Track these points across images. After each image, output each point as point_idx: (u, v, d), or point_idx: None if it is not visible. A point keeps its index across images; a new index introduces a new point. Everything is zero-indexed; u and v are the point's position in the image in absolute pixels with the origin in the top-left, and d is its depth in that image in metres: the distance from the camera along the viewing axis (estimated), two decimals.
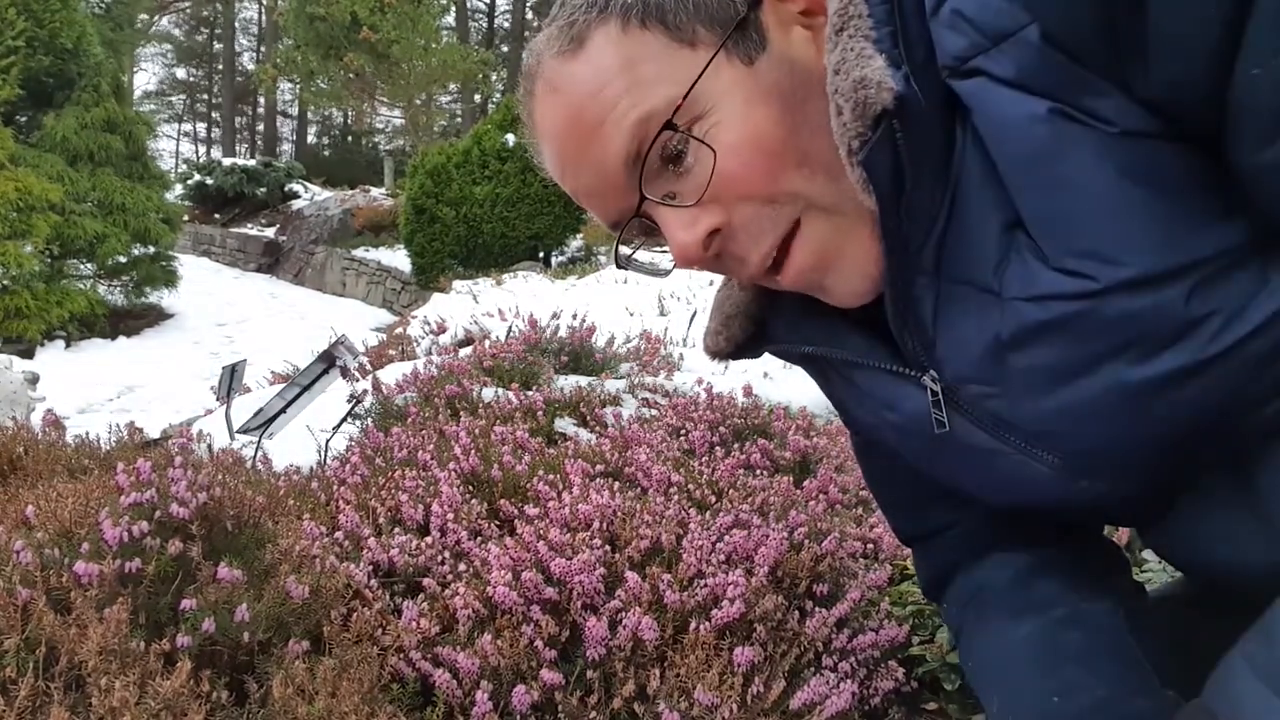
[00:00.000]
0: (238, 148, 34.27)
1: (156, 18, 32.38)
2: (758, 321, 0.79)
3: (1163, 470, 0.65)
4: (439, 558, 1.53)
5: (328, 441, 2.50)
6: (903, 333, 0.67)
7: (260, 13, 34.20)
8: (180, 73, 36.65)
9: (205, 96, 37.31)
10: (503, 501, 1.75)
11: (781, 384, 3.24)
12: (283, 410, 2.66)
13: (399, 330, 6.69)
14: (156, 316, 13.65)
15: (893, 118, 0.56)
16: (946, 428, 0.68)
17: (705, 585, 1.35)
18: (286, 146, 34.72)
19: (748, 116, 0.60)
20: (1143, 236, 0.53)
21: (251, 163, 20.42)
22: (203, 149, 37.15)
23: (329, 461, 2.31)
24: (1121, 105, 0.52)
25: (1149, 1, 0.49)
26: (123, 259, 13.21)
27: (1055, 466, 0.66)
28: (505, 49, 29.59)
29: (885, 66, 0.56)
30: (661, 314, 6.19)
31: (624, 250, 0.72)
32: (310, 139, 34.98)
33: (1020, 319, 0.59)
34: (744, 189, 0.61)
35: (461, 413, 2.43)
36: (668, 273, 0.87)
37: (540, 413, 2.45)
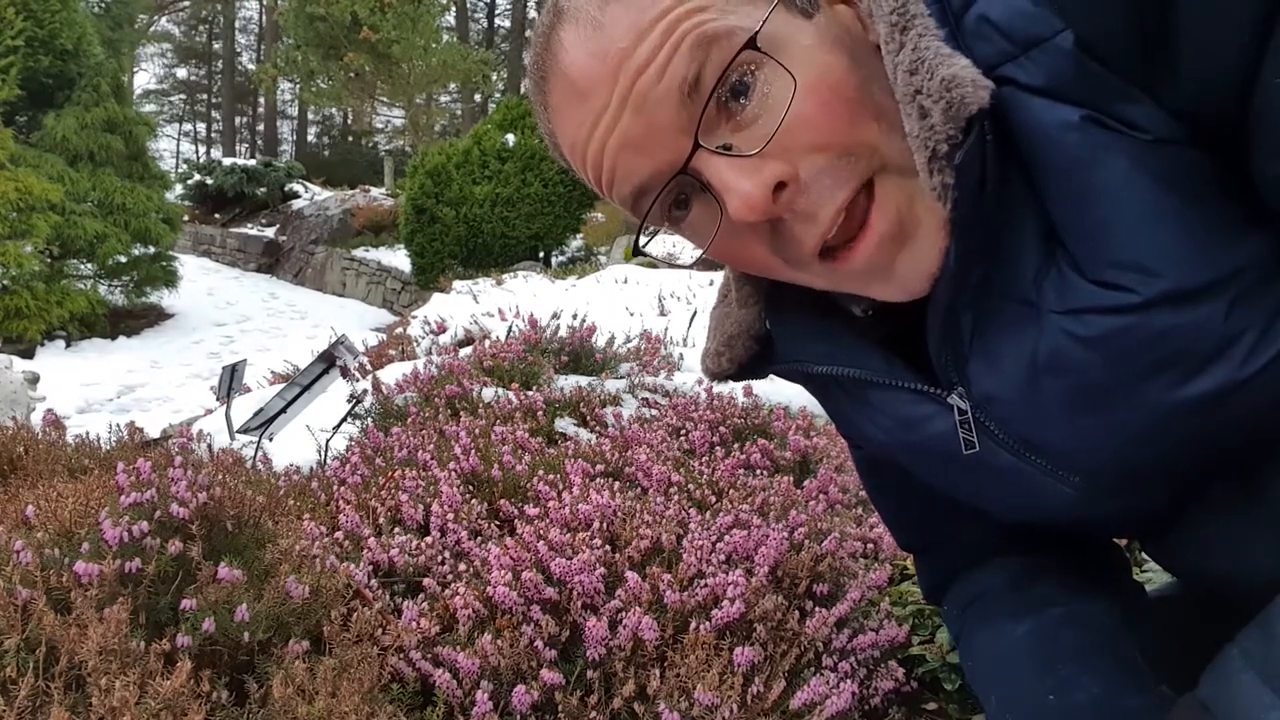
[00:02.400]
0: (238, 147, 34.30)
1: (156, 17, 32.39)
2: (761, 341, 0.76)
3: (1184, 484, 0.64)
4: (439, 558, 1.53)
5: (328, 441, 2.50)
6: (943, 349, 0.64)
7: (260, 12, 34.20)
8: (180, 72, 36.68)
9: (205, 96, 37.32)
10: (503, 501, 1.75)
11: (782, 384, 3.23)
12: (283, 410, 2.66)
13: (399, 330, 6.69)
14: (157, 316, 13.66)
15: (986, 118, 0.53)
16: (976, 448, 0.66)
17: (705, 585, 1.35)
18: (286, 146, 34.74)
19: (819, 61, 0.56)
20: (1179, 246, 0.52)
21: (251, 163, 20.40)
22: (203, 149, 37.18)
23: (329, 461, 2.31)
24: (1154, 112, 0.51)
25: (1178, 9, 0.48)
26: (123, 259, 13.21)
27: (1079, 487, 0.64)
28: (505, 48, 29.59)
29: (972, 65, 0.53)
30: (661, 314, 6.18)
31: (643, 238, 0.65)
32: (310, 139, 34.99)
33: (1057, 338, 0.57)
34: (819, 135, 0.55)
35: (461, 413, 2.43)
36: (689, 266, 0.82)
37: (540, 413, 2.45)
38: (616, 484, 1.78)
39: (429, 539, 1.58)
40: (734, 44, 0.54)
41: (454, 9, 26.19)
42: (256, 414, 2.68)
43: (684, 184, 0.59)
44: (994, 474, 0.67)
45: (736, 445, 2.23)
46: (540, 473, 1.86)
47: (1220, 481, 0.64)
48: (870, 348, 0.70)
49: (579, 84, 0.58)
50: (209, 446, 2.38)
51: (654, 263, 9.99)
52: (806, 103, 0.55)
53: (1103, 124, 0.52)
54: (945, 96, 0.53)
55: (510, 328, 4.48)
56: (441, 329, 5.40)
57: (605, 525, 1.56)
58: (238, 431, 2.80)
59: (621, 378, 3.20)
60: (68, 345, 11.75)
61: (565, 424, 2.48)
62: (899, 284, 0.60)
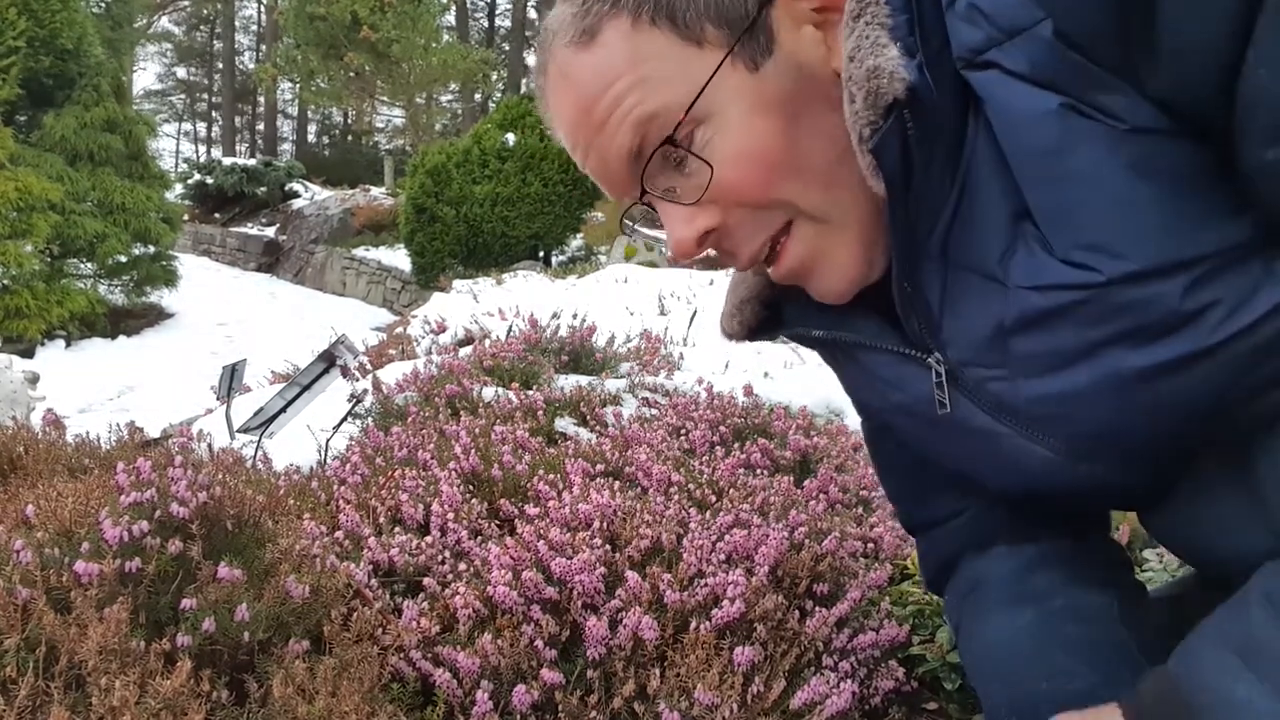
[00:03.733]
0: (238, 147, 34.27)
1: (156, 17, 32.38)
2: (769, 305, 0.81)
3: (1163, 456, 0.66)
4: (439, 557, 1.53)
5: (328, 441, 2.50)
6: (909, 316, 0.69)
7: (260, 12, 34.22)
8: (180, 72, 36.66)
9: (205, 96, 37.31)
10: (503, 501, 1.75)
11: (781, 384, 3.24)
12: (283, 410, 2.66)
13: (399, 330, 6.69)
14: (157, 316, 13.65)
15: (904, 107, 0.57)
16: (948, 409, 0.70)
17: (705, 585, 1.35)
18: (286, 146, 34.71)
19: (749, 127, 0.61)
20: (1147, 231, 0.54)
21: (252, 162, 20.41)
22: (203, 148, 37.17)
23: (329, 461, 2.31)
24: (1131, 102, 0.52)
25: (1157, 4, 0.49)
26: (123, 258, 13.21)
27: (1055, 450, 0.66)
28: (506, 48, 29.58)
29: (899, 56, 0.57)
30: (661, 314, 6.17)
31: (628, 223, 0.77)
32: (310, 138, 34.97)
33: (1023, 305, 0.60)
34: (740, 197, 0.64)
35: (462, 412, 2.43)
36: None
37: (540, 412, 2.45)
38: (616, 483, 1.78)
39: (429, 538, 1.58)
40: (667, 124, 0.62)
41: (454, 8, 26.19)
42: (256, 413, 2.67)
43: None
44: (974, 436, 0.70)
45: (736, 445, 2.23)
46: (540, 472, 1.86)
47: (1205, 457, 0.66)
48: (862, 313, 0.73)
49: (557, 118, 0.69)
50: (209, 446, 2.37)
51: (654, 262, 10.00)
52: (730, 172, 0.62)
53: (1080, 111, 0.54)
54: (866, 85, 0.57)
55: (510, 327, 4.48)
56: (441, 328, 5.39)
57: (605, 525, 1.56)
58: (238, 431, 2.80)
59: (621, 377, 3.20)
60: (68, 345, 11.75)
61: (565, 424, 2.48)
62: (817, 295, 0.70)
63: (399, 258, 14.30)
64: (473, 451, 1.96)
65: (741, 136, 0.61)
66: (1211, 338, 0.55)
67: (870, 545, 1.71)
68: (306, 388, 2.76)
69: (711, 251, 0.70)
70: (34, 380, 4.60)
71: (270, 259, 17.50)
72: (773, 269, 0.69)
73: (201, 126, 38.37)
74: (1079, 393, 0.61)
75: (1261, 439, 0.61)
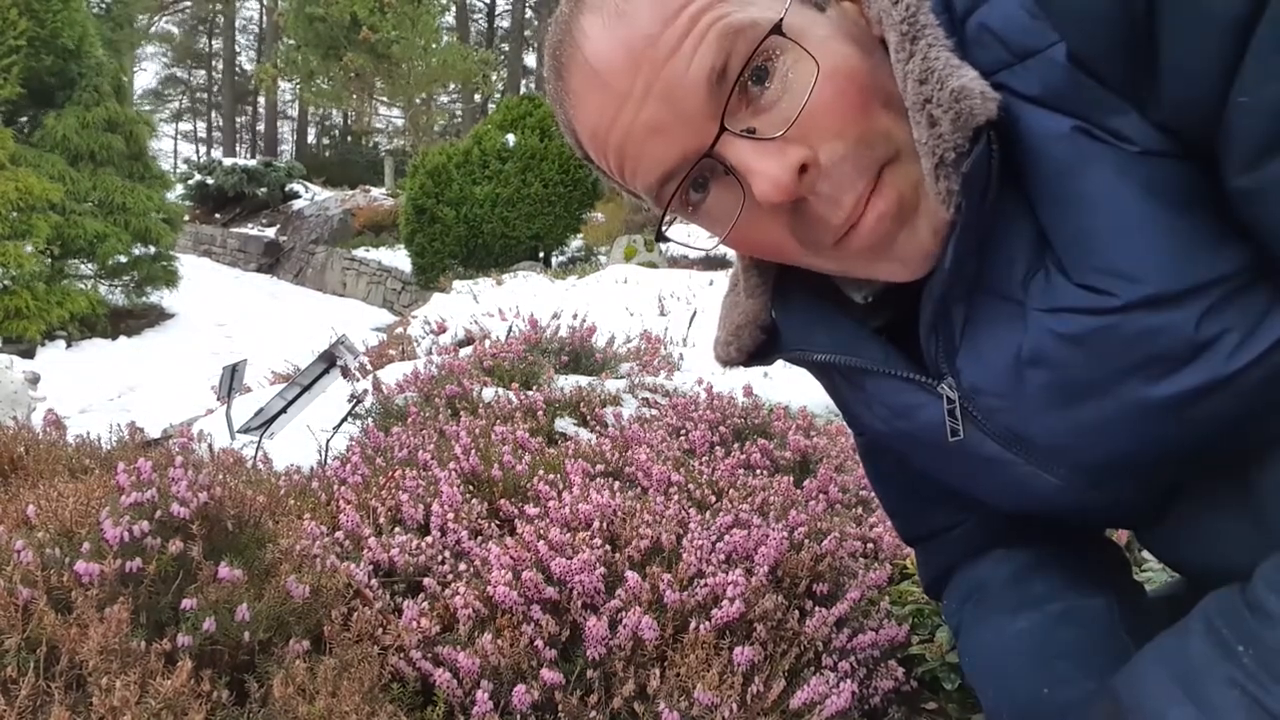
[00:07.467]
0: (238, 148, 34.32)
1: (156, 17, 32.40)
2: (766, 330, 0.79)
3: (1171, 481, 0.66)
4: (439, 557, 1.53)
5: (328, 441, 2.50)
6: (930, 338, 0.67)
7: (260, 13, 34.24)
8: (180, 73, 36.69)
9: (205, 96, 37.35)
10: (503, 501, 1.75)
11: (781, 384, 3.24)
12: (283, 410, 2.66)
13: (399, 330, 6.69)
14: (157, 316, 13.67)
15: (991, 129, 0.55)
16: (961, 436, 0.68)
17: (705, 585, 1.35)
18: (286, 146, 34.74)
19: (834, 49, 0.58)
20: (1161, 254, 0.53)
21: (252, 163, 20.46)
22: (203, 149, 37.20)
23: (329, 461, 2.32)
24: (1141, 125, 0.53)
25: (1159, 30, 0.50)
26: (123, 259, 13.22)
27: (1065, 478, 0.66)
28: (505, 49, 29.60)
29: (980, 76, 0.55)
30: (661, 314, 6.18)
31: (666, 219, 0.65)
32: (310, 139, 34.98)
33: (1040, 334, 0.59)
34: (837, 121, 0.57)
35: (462, 412, 2.43)
36: (710, 249, 0.83)
37: (540, 413, 2.45)
38: (616, 484, 1.78)
39: (429, 538, 1.58)
40: (758, 33, 0.56)
41: (454, 9, 26.20)
42: (257, 414, 2.68)
43: (705, 168, 0.61)
44: (982, 463, 0.69)
45: (736, 445, 2.24)
46: (540, 472, 1.86)
47: (1210, 476, 0.65)
48: (868, 337, 0.72)
49: (602, 71, 0.59)
50: (209, 446, 2.38)
51: (654, 263, 10.00)
52: (825, 88, 0.56)
53: (1091, 134, 0.53)
54: (955, 107, 0.54)
55: (510, 328, 4.48)
56: (442, 329, 5.40)
57: (605, 525, 1.57)
58: (238, 431, 2.80)
59: (621, 378, 3.20)
60: (68, 345, 11.75)
61: (565, 424, 2.48)
62: (901, 262, 0.62)
63: (399, 258, 14.32)
64: (473, 452, 1.96)
65: (830, 56, 0.57)
66: (1227, 367, 0.54)
67: (869, 545, 1.71)
68: (307, 388, 2.76)
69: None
70: (34, 381, 4.60)
71: (271, 259, 17.52)
72: (858, 228, 0.59)
73: (201, 127, 38.43)
74: (1095, 426, 0.60)
75: (1262, 458, 0.61)
